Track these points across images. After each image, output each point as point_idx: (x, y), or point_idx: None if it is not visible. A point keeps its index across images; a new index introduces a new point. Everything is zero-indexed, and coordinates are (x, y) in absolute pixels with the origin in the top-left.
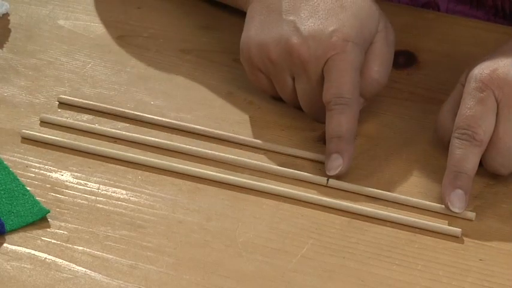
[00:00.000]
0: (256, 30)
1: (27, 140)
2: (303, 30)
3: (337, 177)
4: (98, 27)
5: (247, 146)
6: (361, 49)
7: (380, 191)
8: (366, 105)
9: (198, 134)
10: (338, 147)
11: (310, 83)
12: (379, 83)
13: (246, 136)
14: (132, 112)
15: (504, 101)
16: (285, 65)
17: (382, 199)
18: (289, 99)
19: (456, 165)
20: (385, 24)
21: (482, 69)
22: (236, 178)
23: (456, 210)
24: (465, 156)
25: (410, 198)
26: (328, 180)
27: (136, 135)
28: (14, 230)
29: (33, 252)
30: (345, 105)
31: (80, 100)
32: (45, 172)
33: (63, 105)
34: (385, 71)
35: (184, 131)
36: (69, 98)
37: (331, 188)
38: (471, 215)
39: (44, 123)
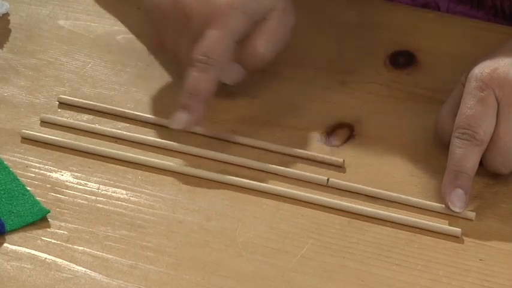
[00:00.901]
0: None
1: (27, 140)
2: None
3: (338, 176)
4: (98, 27)
5: (247, 146)
6: (247, 19)
7: (380, 190)
8: (247, 77)
9: (198, 133)
10: (189, 104)
11: (189, 39)
12: (263, 57)
13: (246, 136)
14: (132, 112)
15: (505, 100)
16: (173, 18)
17: (382, 199)
18: (173, 54)
19: (456, 164)
20: (286, 6)
21: (483, 69)
22: (236, 178)
23: (456, 210)
24: (465, 155)
25: (411, 198)
26: (328, 180)
27: (136, 135)
28: (14, 230)
29: (33, 252)
30: (209, 66)
31: (80, 100)
32: (45, 172)
33: (63, 105)
34: (271, 48)
35: (184, 130)
36: (69, 98)
37: (331, 187)
38: (471, 214)
39: (44, 123)
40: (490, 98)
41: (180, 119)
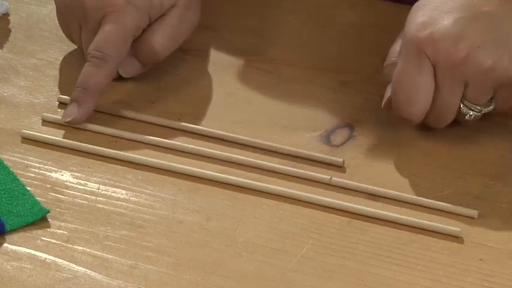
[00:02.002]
0: None
1: (27, 140)
2: None
3: (337, 176)
4: None
5: (247, 146)
6: (143, 14)
7: (381, 189)
8: (145, 71)
9: (198, 133)
10: (79, 97)
11: (88, 32)
12: (157, 53)
13: (246, 136)
14: (132, 112)
15: (441, 63)
16: (72, 11)
17: (383, 196)
18: (79, 46)
19: None
20: (189, 4)
21: (418, 30)
22: (236, 178)
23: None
24: None
25: (411, 198)
26: (330, 178)
27: (136, 135)
28: (14, 230)
29: (33, 252)
30: (102, 61)
31: None
32: (45, 172)
33: (63, 105)
34: (167, 44)
35: (184, 130)
36: (69, 98)
37: (332, 186)
38: (473, 212)
39: (46, 122)
40: (424, 63)
41: (69, 112)
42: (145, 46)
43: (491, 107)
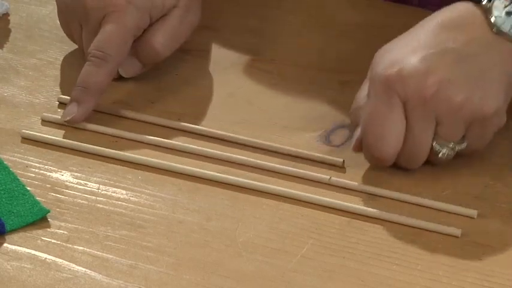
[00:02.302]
0: None
1: (27, 140)
2: None
3: (337, 177)
4: None
5: (247, 146)
6: (143, 14)
7: (380, 189)
8: (145, 71)
9: (198, 133)
10: (79, 97)
11: (89, 32)
12: (158, 53)
13: (246, 136)
14: (132, 112)
15: (410, 101)
16: (73, 10)
17: (383, 196)
18: (80, 46)
19: None
20: (189, 4)
21: (385, 68)
22: (236, 178)
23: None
24: None
25: (411, 198)
26: (330, 178)
27: (136, 135)
28: (14, 230)
29: (33, 252)
30: (102, 60)
31: None
32: (45, 172)
33: (64, 105)
34: (167, 44)
35: (184, 130)
36: (69, 98)
37: (332, 185)
38: (472, 212)
39: (46, 122)
40: (394, 101)
41: (68, 111)
42: (146, 46)
43: (464, 144)
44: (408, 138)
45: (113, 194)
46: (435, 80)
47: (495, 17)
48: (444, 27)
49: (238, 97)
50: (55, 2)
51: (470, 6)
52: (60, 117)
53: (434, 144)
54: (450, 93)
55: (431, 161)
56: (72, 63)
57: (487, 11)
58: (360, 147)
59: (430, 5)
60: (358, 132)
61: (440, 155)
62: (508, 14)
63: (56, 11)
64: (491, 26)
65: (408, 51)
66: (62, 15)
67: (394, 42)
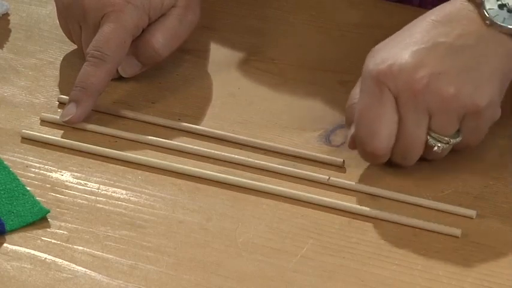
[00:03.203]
0: None
1: (27, 140)
2: None
3: (337, 177)
4: None
5: (247, 146)
6: (142, 13)
7: (380, 189)
8: (144, 70)
9: (198, 133)
10: (77, 97)
11: (88, 32)
12: (157, 53)
13: (246, 136)
14: (132, 112)
15: (401, 96)
16: (72, 11)
17: (383, 196)
18: (79, 46)
19: None
20: (189, 4)
21: (377, 64)
22: (236, 178)
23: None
24: None
25: (411, 198)
26: (329, 178)
27: (136, 135)
28: (14, 230)
29: (33, 252)
30: (100, 60)
31: None
32: (45, 172)
33: (63, 105)
34: (167, 44)
35: (184, 130)
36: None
37: (332, 186)
38: (472, 212)
39: (45, 122)
40: (385, 95)
41: (67, 112)
42: (146, 46)
43: (459, 138)
44: (401, 133)
45: (113, 194)
46: (425, 73)
47: (488, 9)
48: (437, 23)
49: (238, 97)
50: (54, 2)
51: (463, 1)
52: (59, 117)
53: (429, 138)
54: (441, 85)
55: (428, 157)
56: (72, 63)
57: (479, 5)
58: (355, 144)
59: (430, 5)
60: (352, 129)
61: (435, 148)
62: (501, 6)
63: (55, 10)
64: (484, 18)
65: (400, 48)
66: (61, 16)
67: (387, 41)
